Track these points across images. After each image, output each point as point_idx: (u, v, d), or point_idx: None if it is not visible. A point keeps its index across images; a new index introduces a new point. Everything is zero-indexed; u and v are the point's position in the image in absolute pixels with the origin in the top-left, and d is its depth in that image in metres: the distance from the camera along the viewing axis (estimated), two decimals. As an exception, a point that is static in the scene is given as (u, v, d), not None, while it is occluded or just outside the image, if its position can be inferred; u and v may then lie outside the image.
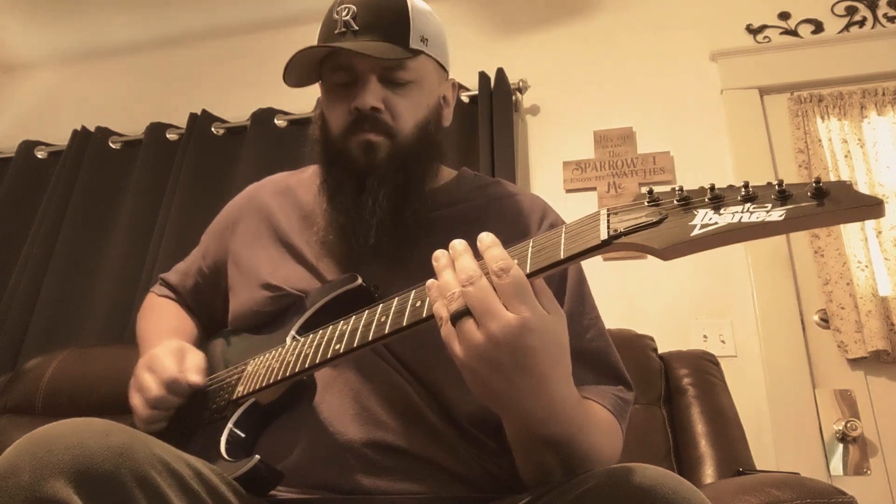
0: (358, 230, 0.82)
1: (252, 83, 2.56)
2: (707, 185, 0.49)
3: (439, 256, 0.60)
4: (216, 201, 2.21)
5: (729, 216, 0.46)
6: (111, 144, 2.49)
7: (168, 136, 2.45)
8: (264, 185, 1.05)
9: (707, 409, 1.35)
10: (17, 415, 1.59)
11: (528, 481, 0.72)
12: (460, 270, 0.56)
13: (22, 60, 2.87)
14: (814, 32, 2.11)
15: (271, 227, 0.95)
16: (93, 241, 2.32)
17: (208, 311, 1.04)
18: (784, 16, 2.15)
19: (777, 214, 0.44)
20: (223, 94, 2.55)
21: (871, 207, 0.42)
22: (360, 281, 0.80)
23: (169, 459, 0.56)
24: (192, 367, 0.82)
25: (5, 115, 2.83)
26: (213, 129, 2.39)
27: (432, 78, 0.90)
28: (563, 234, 0.56)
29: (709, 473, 1.24)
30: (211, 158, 2.34)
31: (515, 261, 0.56)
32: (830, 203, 0.43)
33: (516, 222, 0.90)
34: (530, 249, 0.57)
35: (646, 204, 0.52)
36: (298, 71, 0.87)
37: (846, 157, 1.89)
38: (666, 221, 0.49)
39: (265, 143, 2.29)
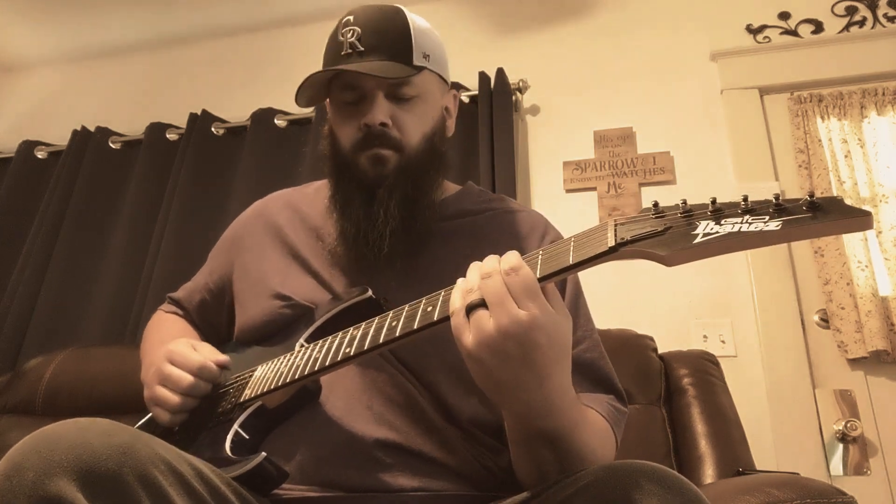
0: (371, 239, 0.85)
1: (252, 83, 2.56)
2: (709, 200, 0.53)
3: (473, 263, 0.63)
4: (216, 201, 2.26)
5: (729, 226, 0.50)
6: (111, 144, 2.48)
7: (168, 136, 2.45)
8: (269, 200, 1.08)
9: (707, 409, 1.35)
10: (17, 415, 1.59)
11: (524, 481, 0.73)
12: (482, 267, 0.61)
13: (22, 60, 2.87)
14: (814, 32, 2.10)
15: (279, 239, 0.97)
16: (93, 241, 2.32)
17: (213, 328, 1.05)
18: (784, 16, 2.15)
19: (773, 225, 0.48)
20: (223, 94, 2.55)
21: (859, 219, 0.46)
22: (370, 293, 0.82)
23: (171, 459, 0.57)
24: (211, 352, 0.84)
25: (5, 115, 2.83)
26: (213, 129, 2.39)
27: (435, 91, 0.94)
28: (571, 243, 0.60)
29: (709, 473, 1.24)
30: (211, 158, 2.34)
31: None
32: (822, 215, 0.47)
33: (518, 237, 0.94)
34: (540, 257, 0.61)
35: (651, 216, 0.55)
36: (308, 92, 0.91)
37: (846, 157, 1.89)
38: (670, 231, 0.52)
39: (265, 143, 2.29)
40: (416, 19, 0.92)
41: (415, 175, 0.88)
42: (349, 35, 0.88)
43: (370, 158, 0.88)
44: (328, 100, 0.96)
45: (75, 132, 2.50)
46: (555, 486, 0.61)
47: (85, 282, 2.25)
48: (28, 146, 2.56)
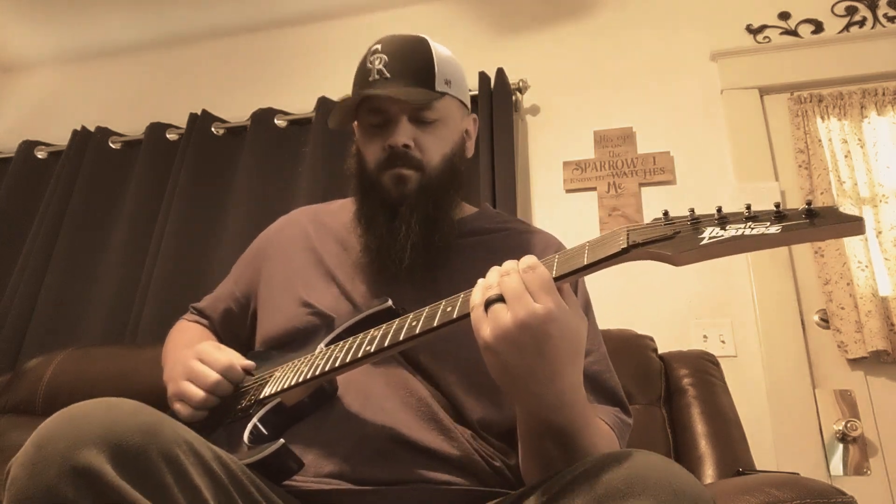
0: (393, 253, 0.90)
1: (252, 83, 2.57)
2: (715, 209, 0.58)
3: (493, 267, 0.67)
4: (216, 201, 2.26)
5: (733, 230, 0.54)
6: (111, 144, 2.49)
7: (168, 136, 2.45)
8: (296, 213, 1.13)
9: (707, 409, 1.35)
10: (17, 415, 1.59)
11: (530, 481, 0.74)
12: (502, 268, 0.65)
13: (22, 60, 2.87)
14: (814, 32, 2.11)
15: (307, 246, 1.01)
16: (93, 241, 2.32)
17: (236, 337, 1.07)
18: (784, 16, 2.15)
19: (774, 230, 0.52)
20: (223, 94, 2.55)
21: (852, 224, 0.50)
22: (390, 303, 0.85)
23: (193, 441, 0.59)
24: (238, 356, 0.87)
25: (5, 115, 2.83)
26: (213, 129, 2.39)
27: (456, 115, 1.00)
28: (587, 246, 0.64)
29: (709, 473, 1.24)
30: (211, 158, 2.34)
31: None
32: (819, 221, 0.51)
33: (533, 254, 0.96)
34: (557, 259, 0.65)
35: (662, 223, 0.60)
36: (339, 116, 0.99)
37: (846, 157, 1.89)
38: (678, 235, 0.57)
39: (265, 143, 2.29)
40: (439, 48, 0.98)
41: (435, 194, 0.93)
42: (376, 62, 0.94)
43: (393, 177, 0.93)
44: (356, 122, 1.01)
45: (75, 132, 2.50)
46: (556, 476, 0.62)
47: (85, 282, 2.25)
48: (28, 146, 2.56)
